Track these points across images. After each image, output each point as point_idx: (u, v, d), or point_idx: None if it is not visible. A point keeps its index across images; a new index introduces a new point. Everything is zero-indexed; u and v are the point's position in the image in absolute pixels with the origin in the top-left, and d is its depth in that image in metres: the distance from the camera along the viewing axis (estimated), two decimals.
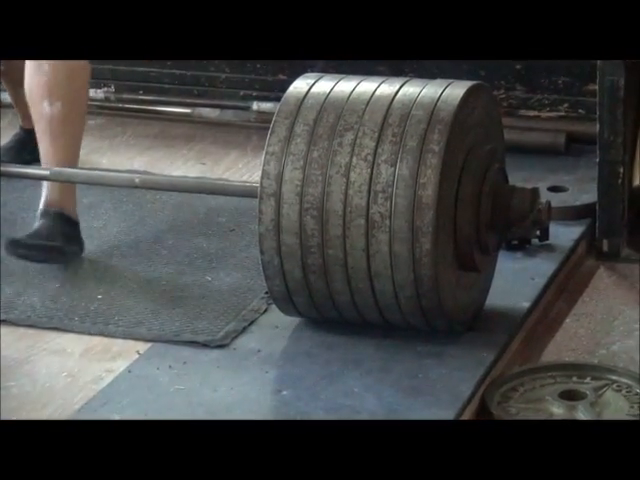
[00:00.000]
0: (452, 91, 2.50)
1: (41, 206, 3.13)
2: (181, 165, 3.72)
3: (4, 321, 2.77)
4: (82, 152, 3.37)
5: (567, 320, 2.92)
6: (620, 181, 3.18)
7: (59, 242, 3.08)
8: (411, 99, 2.49)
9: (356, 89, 2.56)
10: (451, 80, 2.61)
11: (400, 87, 2.55)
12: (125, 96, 4.13)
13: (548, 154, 3.63)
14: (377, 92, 2.53)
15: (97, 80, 3.82)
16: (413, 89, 2.53)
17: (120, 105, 4.15)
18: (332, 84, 2.62)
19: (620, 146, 3.18)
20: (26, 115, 3.58)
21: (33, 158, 3.43)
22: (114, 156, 3.78)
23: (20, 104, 3.67)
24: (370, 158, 2.40)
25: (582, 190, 3.41)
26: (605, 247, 3.22)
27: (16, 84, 3.58)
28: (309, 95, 2.57)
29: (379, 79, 2.65)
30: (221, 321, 2.78)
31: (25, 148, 3.66)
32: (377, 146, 2.41)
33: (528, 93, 3.64)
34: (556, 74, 3.69)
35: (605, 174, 3.14)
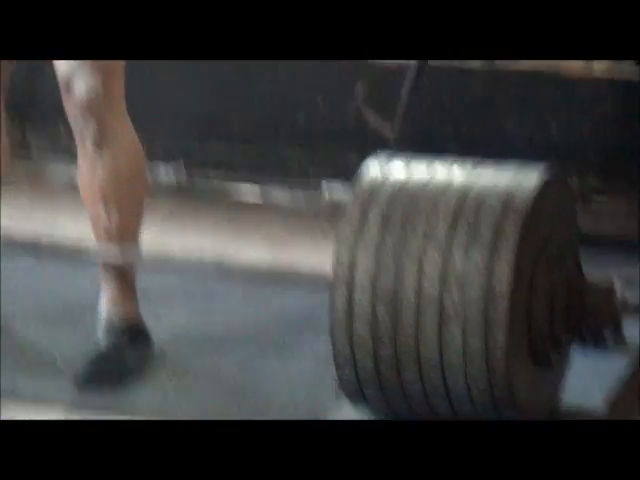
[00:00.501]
0: (527, 179, 2.49)
1: (104, 316, 3.09)
2: (251, 251, 3.70)
3: None
4: (150, 236, 3.36)
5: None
6: None
7: (133, 363, 3.03)
8: (485, 186, 2.49)
9: (430, 173, 2.57)
10: (525, 165, 2.60)
11: (473, 172, 2.56)
12: (195, 178, 4.10)
13: (623, 244, 3.54)
14: (451, 177, 2.54)
15: (168, 160, 3.87)
16: (487, 175, 2.55)
17: (190, 187, 4.14)
18: (404, 167, 2.60)
19: None
20: None
21: None
22: (182, 240, 3.77)
23: None
24: (443, 247, 2.38)
25: None
26: None
27: None
28: (382, 179, 2.56)
29: (452, 161, 2.63)
30: (291, 411, 2.78)
31: None
32: (451, 235, 2.38)
33: (602, 181, 3.52)
34: (631, 162, 3.57)
35: None
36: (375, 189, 2.52)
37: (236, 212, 3.93)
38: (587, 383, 2.79)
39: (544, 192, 2.46)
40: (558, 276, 2.54)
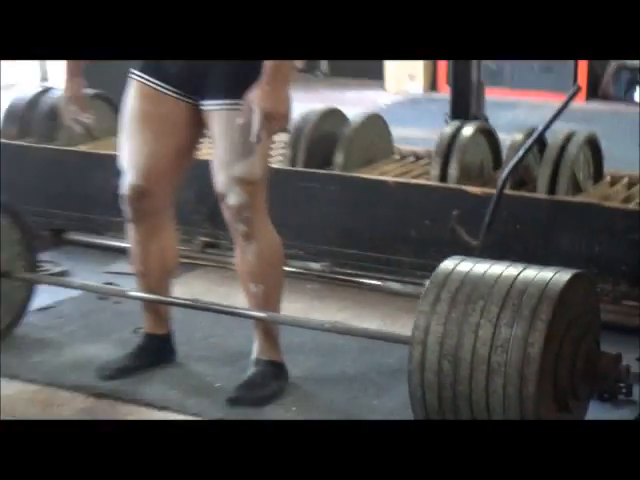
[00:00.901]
0: (560, 276, 2.63)
1: (254, 355, 3.21)
2: (366, 322, 3.72)
3: None
4: (296, 306, 3.58)
5: None
6: None
7: (272, 387, 3.14)
8: (528, 279, 2.63)
9: (489, 270, 2.70)
10: (561, 268, 2.71)
11: (521, 271, 2.67)
12: (335, 269, 4.09)
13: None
14: (504, 273, 2.67)
15: (318, 259, 3.97)
16: (531, 272, 2.67)
17: (330, 276, 4.13)
18: (471, 265, 2.76)
19: None
20: (154, 316, 3.42)
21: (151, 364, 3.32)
22: (315, 313, 3.74)
23: (150, 309, 3.42)
24: (494, 321, 2.54)
25: None
26: None
27: (152, 285, 3.34)
28: (453, 272, 2.72)
29: (507, 263, 2.75)
30: None
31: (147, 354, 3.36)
32: (500, 312, 2.55)
33: (633, 287, 3.43)
34: None
35: None
36: (447, 278, 2.68)
37: (364, 296, 4.03)
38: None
39: (571, 287, 2.61)
40: (579, 348, 2.67)
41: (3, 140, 4.49)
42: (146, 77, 3.07)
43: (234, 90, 2.89)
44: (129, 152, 3.13)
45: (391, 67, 9.06)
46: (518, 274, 2.70)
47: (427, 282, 2.80)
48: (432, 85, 8.73)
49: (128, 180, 3.12)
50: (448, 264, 2.79)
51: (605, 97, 7.82)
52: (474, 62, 4.86)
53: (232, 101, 2.92)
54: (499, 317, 2.58)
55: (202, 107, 3.01)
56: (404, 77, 8.91)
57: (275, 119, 2.83)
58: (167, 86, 3.05)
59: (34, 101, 4.67)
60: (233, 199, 3.00)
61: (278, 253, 3.19)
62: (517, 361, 2.53)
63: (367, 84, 9.46)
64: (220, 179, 3.04)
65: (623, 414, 3.02)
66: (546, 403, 2.61)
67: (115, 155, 3.43)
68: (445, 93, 7.11)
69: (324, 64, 9.93)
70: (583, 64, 7.71)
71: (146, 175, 3.09)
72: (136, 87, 3.10)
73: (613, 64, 7.80)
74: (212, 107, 2.98)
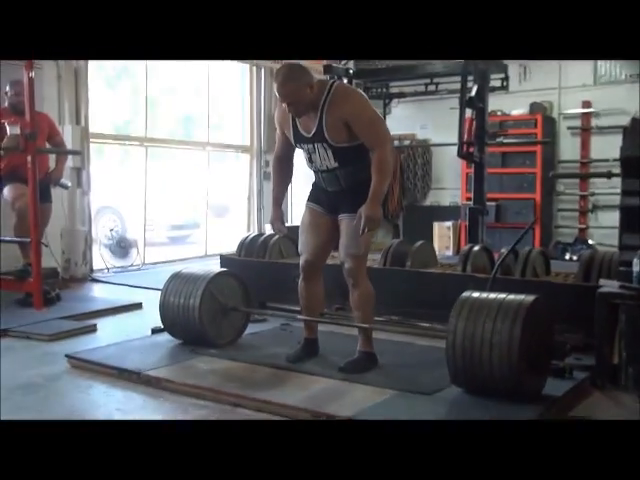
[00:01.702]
0: (529, 297, 2.87)
1: (358, 348, 3.31)
2: (419, 341, 3.82)
3: None
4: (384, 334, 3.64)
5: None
6: None
7: (366, 366, 3.25)
8: (511, 299, 2.87)
9: (488, 295, 2.95)
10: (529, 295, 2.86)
11: (507, 295, 2.90)
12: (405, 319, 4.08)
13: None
14: (498, 296, 2.91)
15: (388, 314, 4.01)
16: (512, 296, 2.90)
17: (401, 321, 4.09)
18: (477, 294, 2.96)
19: None
20: (309, 329, 3.50)
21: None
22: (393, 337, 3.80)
23: (308, 326, 3.50)
24: (492, 319, 2.80)
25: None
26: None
27: (309, 313, 3.47)
28: (469, 297, 2.96)
29: (497, 293, 2.94)
30: (428, 385, 3.07)
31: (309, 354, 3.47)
32: (496, 315, 2.81)
33: (570, 325, 3.46)
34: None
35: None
36: (464, 300, 2.94)
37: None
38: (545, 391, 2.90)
39: (535, 302, 2.85)
40: (541, 337, 2.92)
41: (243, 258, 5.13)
42: (310, 204, 3.41)
43: (354, 208, 3.12)
44: (303, 243, 3.37)
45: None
46: (505, 296, 2.93)
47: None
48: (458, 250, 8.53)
49: (303, 257, 3.36)
50: (465, 294, 2.98)
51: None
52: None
53: (352, 214, 3.15)
54: (495, 317, 2.80)
55: (340, 217, 3.27)
56: (443, 246, 8.49)
57: (372, 222, 3.04)
58: (321, 208, 3.37)
59: (254, 239, 5.35)
60: (347, 265, 3.21)
61: (370, 296, 3.29)
62: (506, 341, 2.74)
63: None
64: (341, 255, 3.22)
65: (565, 385, 2.99)
66: (523, 366, 2.75)
67: (292, 263, 3.98)
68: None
69: None
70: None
71: (312, 254, 3.35)
72: (307, 209, 3.41)
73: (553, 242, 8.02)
74: (343, 217, 3.25)
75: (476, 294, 3.01)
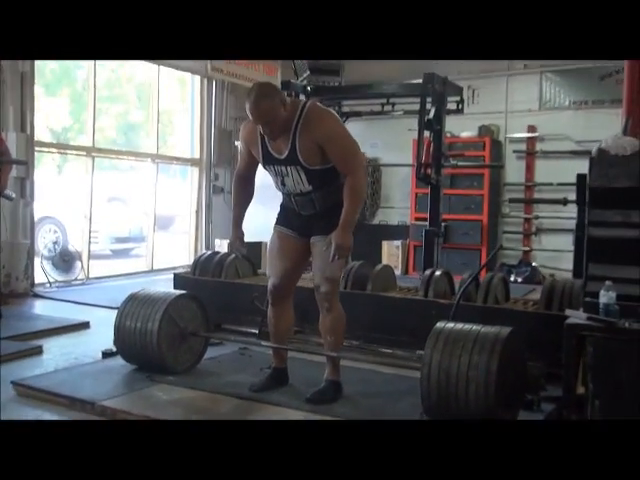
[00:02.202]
0: (504, 329, 2.84)
1: (325, 377, 3.23)
2: (384, 369, 3.71)
3: None
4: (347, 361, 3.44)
5: None
6: None
7: (333, 395, 3.16)
8: (487, 330, 2.84)
9: (463, 326, 2.91)
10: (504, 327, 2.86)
11: (482, 327, 2.86)
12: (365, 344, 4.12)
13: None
14: (473, 327, 2.87)
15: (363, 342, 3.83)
16: (488, 328, 2.86)
17: (363, 347, 4.12)
18: (451, 324, 2.93)
19: None
20: (279, 357, 3.39)
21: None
22: (357, 364, 3.70)
23: (277, 353, 3.40)
24: (469, 352, 2.74)
25: None
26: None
27: (278, 340, 3.36)
28: (443, 328, 2.92)
29: (472, 324, 2.91)
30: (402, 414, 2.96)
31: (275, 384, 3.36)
32: (472, 347, 2.76)
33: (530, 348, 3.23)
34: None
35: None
36: (439, 331, 2.88)
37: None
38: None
39: (510, 335, 2.82)
40: (516, 369, 2.89)
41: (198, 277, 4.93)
42: (280, 227, 3.30)
43: (327, 231, 3.05)
44: (271, 267, 3.28)
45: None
46: (481, 328, 2.87)
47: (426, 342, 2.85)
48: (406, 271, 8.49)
49: (270, 281, 3.26)
50: (439, 324, 2.92)
51: None
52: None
53: (325, 235, 3.07)
54: (472, 350, 2.74)
55: (312, 241, 3.17)
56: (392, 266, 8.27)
57: (342, 250, 3.00)
58: (292, 232, 3.26)
59: (209, 257, 5.16)
60: (323, 289, 3.13)
61: (343, 320, 3.23)
62: (483, 375, 2.69)
63: None
64: (317, 278, 3.15)
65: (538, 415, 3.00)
66: (498, 400, 2.70)
67: (249, 284, 3.91)
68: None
69: None
70: None
71: (280, 278, 3.25)
72: (276, 232, 3.31)
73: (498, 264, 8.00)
74: (315, 240, 3.17)
75: (451, 324, 2.95)
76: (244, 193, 3.34)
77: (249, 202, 3.41)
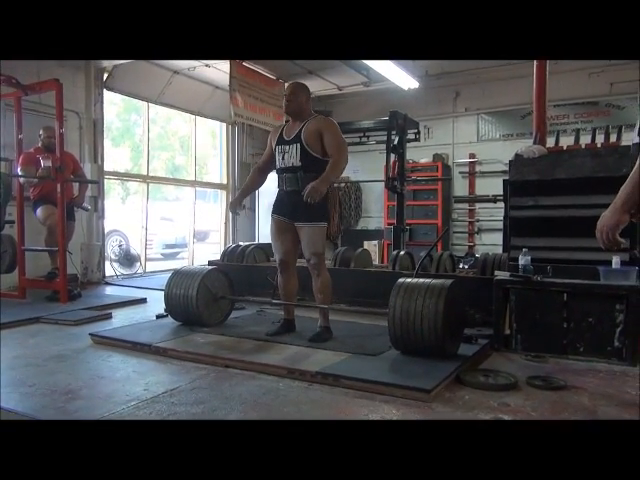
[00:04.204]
0: (448, 281, 2.85)
1: (319, 324, 3.22)
2: (365, 320, 3.70)
3: None
4: (336, 314, 3.42)
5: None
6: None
7: (326, 336, 3.14)
8: (436, 282, 2.84)
9: (418, 280, 2.87)
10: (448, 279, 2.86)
11: (432, 279, 2.87)
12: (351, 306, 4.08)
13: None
14: (425, 280, 2.87)
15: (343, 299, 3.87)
16: (437, 280, 2.86)
17: (348, 308, 4.04)
18: (410, 279, 2.86)
19: None
20: (288, 311, 3.32)
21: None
22: (345, 317, 3.64)
23: (286, 309, 3.32)
24: (422, 297, 2.74)
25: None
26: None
27: (287, 299, 3.28)
28: (404, 282, 2.83)
29: (424, 279, 2.86)
30: (375, 349, 2.98)
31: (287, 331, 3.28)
32: (425, 294, 2.75)
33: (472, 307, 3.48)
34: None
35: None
36: (401, 284, 2.87)
37: (361, 316, 3.72)
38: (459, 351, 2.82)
39: (453, 283, 2.83)
40: (457, 310, 2.89)
41: (226, 262, 4.89)
42: (275, 215, 3.24)
43: (308, 218, 3.07)
44: (275, 247, 3.25)
45: None
46: (431, 280, 2.91)
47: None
48: (381, 262, 8.22)
49: (277, 257, 3.25)
50: (400, 280, 2.92)
51: None
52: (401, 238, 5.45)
53: (307, 222, 3.08)
54: (425, 295, 2.76)
55: (297, 225, 3.14)
56: None
57: (315, 193, 2.89)
58: (285, 218, 3.20)
59: (234, 249, 5.20)
60: (312, 261, 3.11)
61: (329, 282, 3.19)
62: (433, 313, 2.70)
63: None
64: (306, 254, 3.12)
65: (474, 348, 2.93)
66: (445, 332, 2.71)
67: (264, 266, 3.92)
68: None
69: None
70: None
71: (284, 255, 3.23)
72: (273, 219, 3.25)
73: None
74: (300, 225, 3.13)
75: (409, 279, 2.98)
76: (258, 179, 3.39)
77: (256, 188, 3.50)
